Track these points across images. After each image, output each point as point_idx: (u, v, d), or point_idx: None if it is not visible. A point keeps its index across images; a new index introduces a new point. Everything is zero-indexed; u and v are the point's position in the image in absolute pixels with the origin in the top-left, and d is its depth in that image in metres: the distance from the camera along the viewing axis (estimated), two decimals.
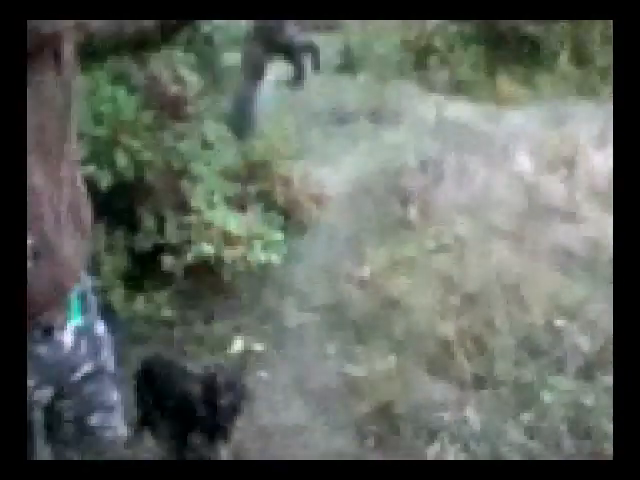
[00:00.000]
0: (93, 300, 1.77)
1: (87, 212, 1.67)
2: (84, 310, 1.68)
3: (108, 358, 1.80)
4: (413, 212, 4.39)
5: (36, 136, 1.44)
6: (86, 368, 1.72)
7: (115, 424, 1.86)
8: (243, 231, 3.50)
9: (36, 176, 1.46)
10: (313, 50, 2.79)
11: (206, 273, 3.47)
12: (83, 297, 1.69)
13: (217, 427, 2.33)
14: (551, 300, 3.36)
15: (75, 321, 1.66)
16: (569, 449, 2.54)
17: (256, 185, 4.03)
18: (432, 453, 2.54)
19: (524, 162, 5.02)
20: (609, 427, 2.61)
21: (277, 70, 4.62)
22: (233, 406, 2.33)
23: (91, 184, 3.16)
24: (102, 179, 3.18)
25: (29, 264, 1.46)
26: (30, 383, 1.60)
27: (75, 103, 1.55)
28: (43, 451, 1.73)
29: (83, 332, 1.68)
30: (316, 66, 2.86)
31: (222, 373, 2.40)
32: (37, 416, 1.67)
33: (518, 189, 4.67)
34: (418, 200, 4.52)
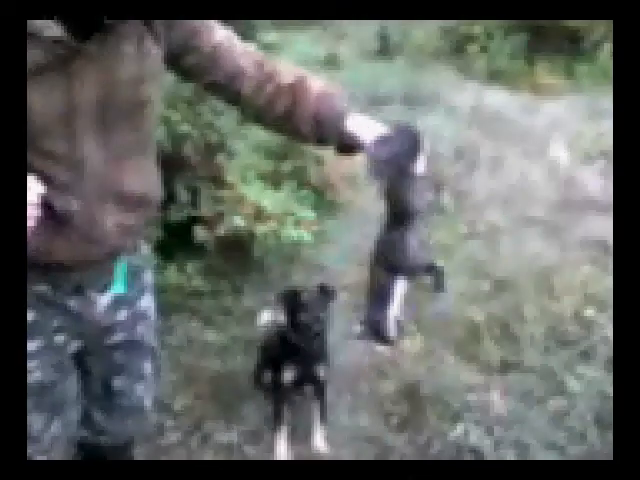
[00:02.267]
0: (147, 277, 1.79)
1: (150, 187, 1.66)
2: (131, 283, 1.69)
3: (146, 333, 1.82)
4: (446, 198, 4.37)
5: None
6: (119, 337, 1.74)
7: (141, 394, 1.87)
8: (276, 207, 3.52)
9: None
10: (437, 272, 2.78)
11: (237, 247, 3.50)
12: (133, 272, 1.70)
13: None
14: (581, 290, 3.33)
15: (116, 289, 1.67)
16: (593, 439, 2.52)
17: (290, 163, 4.04)
18: (455, 435, 2.54)
19: (560, 153, 4.97)
20: None
21: None
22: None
23: None
24: None
25: (58, 220, 1.47)
26: (54, 326, 1.62)
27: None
28: (71, 390, 1.73)
29: (124, 302, 1.70)
30: (438, 287, 2.86)
31: None
32: (67, 361, 1.69)
33: (553, 180, 4.62)
34: (451, 187, 4.50)
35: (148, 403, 1.91)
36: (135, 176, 1.57)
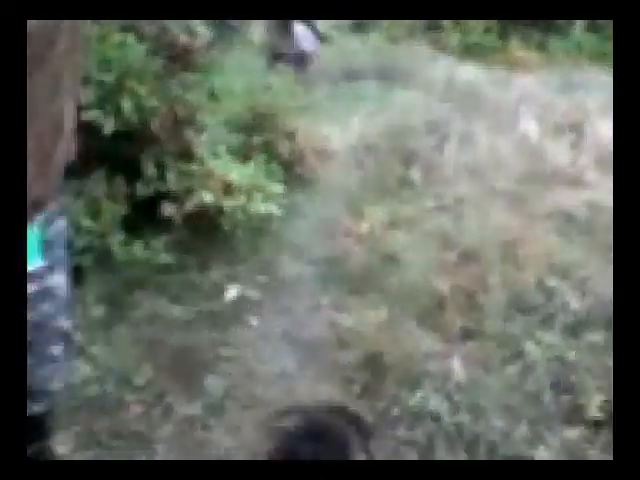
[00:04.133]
0: (60, 253, 1.74)
1: (63, 146, 1.64)
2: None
3: (55, 313, 1.76)
4: (416, 172, 4.40)
5: None
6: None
7: (46, 376, 1.82)
8: (244, 182, 3.53)
9: None
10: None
11: (205, 222, 3.51)
12: (45, 244, 1.67)
13: None
14: (545, 260, 3.38)
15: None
16: (549, 403, 2.59)
17: (260, 137, 4.05)
18: (415, 401, 2.59)
19: (530, 127, 5.00)
20: (590, 383, 2.66)
21: None
22: None
23: (94, 129, 3.22)
24: (106, 124, 3.21)
25: None
26: None
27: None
28: None
29: (30, 277, 1.65)
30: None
31: None
32: None
33: (523, 153, 4.66)
34: (421, 161, 4.52)
35: (56, 386, 1.88)
36: None
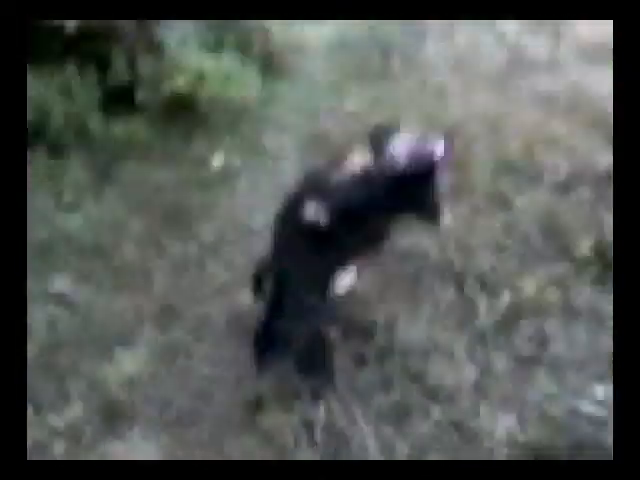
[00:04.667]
0: None
1: None
2: None
3: None
4: (395, 64, 4.35)
5: None
6: None
7: None
8: (218, 72, 3.47)
9: None
10: None
11: (182, 107, 3.45)
12: None
13: None
14: (531, 131, 3.38)
15: None
16: (539, 243, 2.61)
17: (233, 34, 3.95)
18: (407, 243, 2.59)
19: (509, 26, 4.96)
20: (580, 229, 2.69)
21: None
22: None
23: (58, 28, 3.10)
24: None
25: None
26: None
27: None
28: None
29: None
30: None
31: None
32: None
33: (502, 47, 4.63)
34: (401, 55, 4.47)
35: None
36: None
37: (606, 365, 2.12)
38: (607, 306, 2.32)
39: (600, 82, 3.52)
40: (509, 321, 2.32)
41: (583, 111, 3.62)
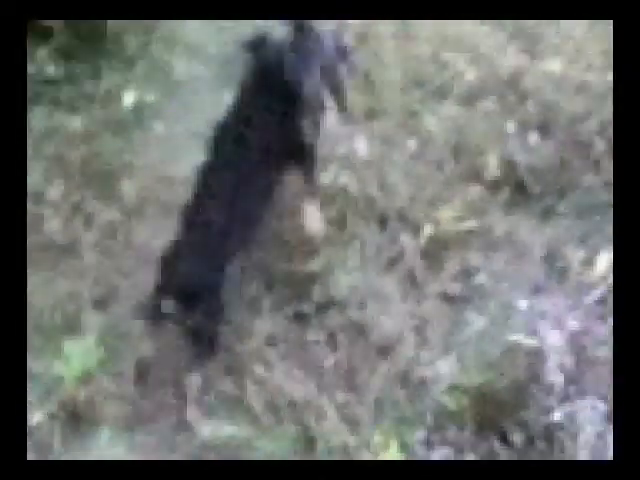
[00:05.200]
0: None
1: None
2: None
3: None
4: None
5: None
6: None
7: None
8: None
9: None
10: None
11: (89, 28, 3.29)
12: None
13: None
14: (440, 34, 3.38)
15: None
16: (450, 168, 2.75)
17: None
18: (326, 181, 2.69)
19: None
20: (487, 147, 2.80)
21: None
22: None
23: None
24: None
25: None
26: None
27: None
28: None
29: None
30: None
31: None
32: None
33: None
34: None
35: None
36: None
37: (527, 292, 2.31)
38: (523, 233, 2.49)
39: None
40: (434, 257, 2.48)
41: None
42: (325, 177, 2.68)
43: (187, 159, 2.82)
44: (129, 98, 3.13)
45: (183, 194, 2.51)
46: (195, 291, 2.11)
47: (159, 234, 2.41)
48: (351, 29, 3.44)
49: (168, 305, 2.11)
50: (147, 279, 2.22)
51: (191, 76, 3.29)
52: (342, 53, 2.46)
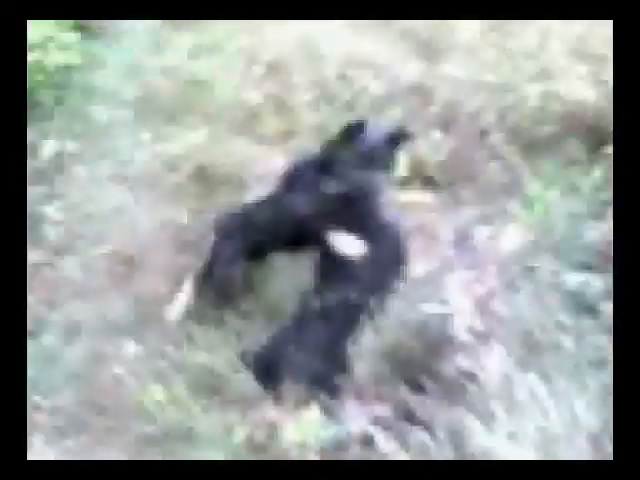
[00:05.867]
0: None
1: None
2: None
3: None
4: None
5: None
6: None
7: None
8: (36, 35, 3.40)
9: None
10: None
11: None
12: None
13: None
14: (344, 54, 3.55)
15: None
16: None
17: None
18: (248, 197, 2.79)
19: None
20: None
21: None
22: None
23: None
24: None
25: None
26: None
27: None
28: None
29: None
30: None
31: None
32: None
33: None
34: None
35: None
36: None
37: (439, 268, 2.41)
38: (434, 221, 2.61)
39: None
40: None
41: (395, 24, 3.82)
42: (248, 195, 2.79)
43: (108, 198, 2.93)
44: (49, 148, 3.20)
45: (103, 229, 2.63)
46: None
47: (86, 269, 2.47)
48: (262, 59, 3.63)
49: None
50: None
51: (110, 121, 3.40)
52: None
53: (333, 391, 2.17)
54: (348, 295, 2.24)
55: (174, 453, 2.13)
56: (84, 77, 3.59)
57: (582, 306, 2.29)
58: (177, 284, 2.55)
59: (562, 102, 2.94)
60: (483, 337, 1.98)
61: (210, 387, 2.29)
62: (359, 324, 2.25)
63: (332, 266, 2.33)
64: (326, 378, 2.19)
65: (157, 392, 2.24)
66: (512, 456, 1.86)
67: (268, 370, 2.26)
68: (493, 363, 1.92)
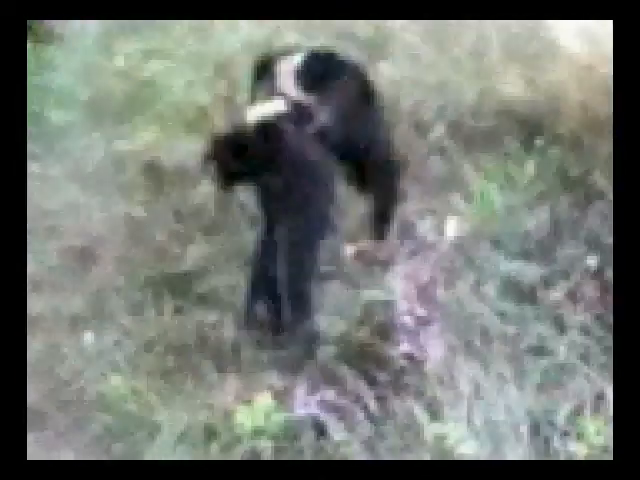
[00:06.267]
0: None
1: None
2: None
3: None
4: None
5: None
6: None
7: None
8: None
9: None
10: None
11: None
12: None
13: None
14: None
15: None
16: None
17: None
18: (196, 200, 2.88)
19: None
20: None
21: None
22: None
23: None
24: None
25: None
26: None
27: None
28: None
29: None
30: None
31: None
32: None
33: None
34: None
35: None
36: None
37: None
38: None
39: None
40: None
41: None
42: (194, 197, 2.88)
43: (61, 195, 2.98)
44: None
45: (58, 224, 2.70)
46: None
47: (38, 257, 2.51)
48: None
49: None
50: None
51: (63, 122, 3.45)
52: None
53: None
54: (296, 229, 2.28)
55: (136, 446, 2.16)
56: (37, 79, 3.63)
57: (521, 294, 2.41)
58: None
59: (498, 99, 3.10)
60: (424, 322, 2.09)
61: (169, 375, 2.35)
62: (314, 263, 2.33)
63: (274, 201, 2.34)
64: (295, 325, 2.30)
65: (117, 384, 2.28)
66: (460, 444, 1.95)
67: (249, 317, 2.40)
68: (434, 348, 2.04)
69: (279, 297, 2.32)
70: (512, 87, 3.22)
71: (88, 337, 2.45)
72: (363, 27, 3.46)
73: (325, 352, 2.22)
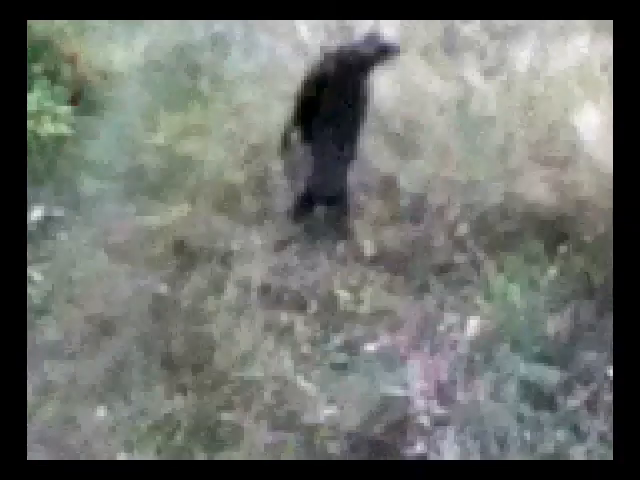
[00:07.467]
0: None
1: None
2: None
3: None
4: (203, 83, 4.59)
5: None
6: None
7: None
8: (30, 105, 3.56)
9: None
10: None
11: None
12: None
13: None
14: None
15: None
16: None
17: (41, 64, 4.03)
18: (237, 276, 2.93)
19: (306, 33, 5.32)
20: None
21: None
22: None
23: None
24: None
25: None
26: None
27: None
28: None
29: None
30: None
31: None
32: None
33: (301, 58, 4.99)
34: (208, 72, 4.71)
35: None
36: None
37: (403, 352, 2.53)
38: (401, 307, 2.76)
39: None
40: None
41: None
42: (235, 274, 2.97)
43: (89, 264, 3.03)
44: (37, 213, 3.32)
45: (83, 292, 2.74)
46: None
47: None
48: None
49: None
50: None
51: (97, 192, 3.54)
52: None
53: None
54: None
55: None
56: (75, 148, 3.75)
57: (540, 397, 2.41)
58: None
59: (522, 202, 3.15)
60: (441, 422, 2.06)
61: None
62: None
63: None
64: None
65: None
66: None
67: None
68: (449, 451, 2.00)
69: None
70: (536, 190, 3.27)
71: (101, 410, 2.45)
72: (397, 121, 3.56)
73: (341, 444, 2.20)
